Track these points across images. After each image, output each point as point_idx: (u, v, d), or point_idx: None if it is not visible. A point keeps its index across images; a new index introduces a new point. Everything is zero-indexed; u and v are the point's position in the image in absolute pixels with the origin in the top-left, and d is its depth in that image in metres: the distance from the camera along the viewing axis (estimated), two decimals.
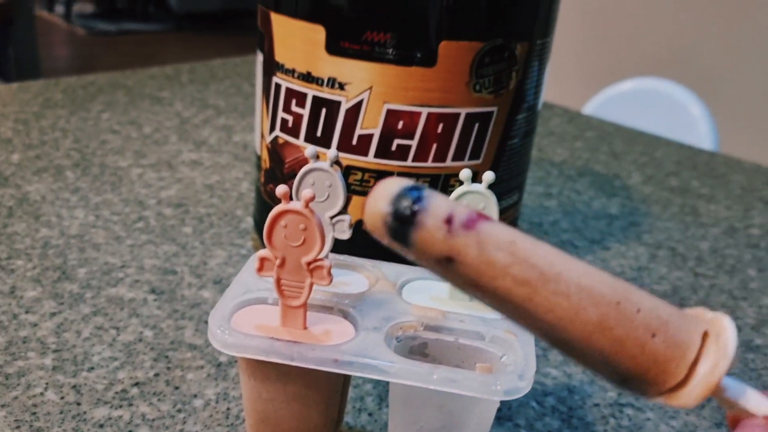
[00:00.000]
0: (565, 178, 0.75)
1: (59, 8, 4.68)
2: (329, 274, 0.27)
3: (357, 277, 0.33)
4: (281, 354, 0.26)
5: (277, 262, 0.27)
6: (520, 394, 0.26)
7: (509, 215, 0.50)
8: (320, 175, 0.30)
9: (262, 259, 0.27)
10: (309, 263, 0.27)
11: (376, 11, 0.40)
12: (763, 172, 0.83)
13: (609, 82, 1.30)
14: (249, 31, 4.87)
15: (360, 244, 0.32)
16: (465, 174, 0.29)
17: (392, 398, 0.28)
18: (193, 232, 0.56)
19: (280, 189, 0.26)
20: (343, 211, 0.30)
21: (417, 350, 0.29)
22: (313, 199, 0.26)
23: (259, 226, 0.53)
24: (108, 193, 0.61)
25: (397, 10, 0.40)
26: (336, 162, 0.30)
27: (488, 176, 0.29)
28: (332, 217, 0.30)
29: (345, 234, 0.31)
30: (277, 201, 0.47)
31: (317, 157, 0.30)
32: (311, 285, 0.27)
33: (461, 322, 0.29)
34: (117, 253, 0.51)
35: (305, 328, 0.28)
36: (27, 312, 0.44)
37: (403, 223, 0.17)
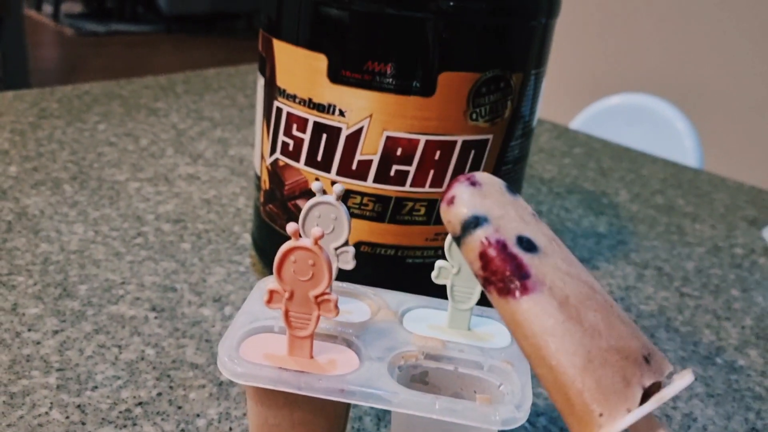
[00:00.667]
0: (554, 195, 0.77)
1: (47, 8, 4.66)
2: (336, 307, 0.28)
3: (359, 305, 0.34)
4: (289, 384, 0.28)
5: (286, 295, 0.28)
6: (517, 425, 0.27)
7: None
8: (326, 209, 0.31)
9: (272, 292, 0.28)
10: (317, 297, 0.28)
11: (377, 42, 0.41)
12: (746, 191, 0.85)
13: (598, 96, 1.32)
14: (238, 33, 4.87)
15: (361, 269, 0.34)
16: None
17: (395, 426, 0.30)
18: (191, 248, 0.56)
19: (291, 227, 0.27)
20: (347, 242, 0.31)
21: (418, 378, 0.31)
22: (322, 236, 0.27)
23: (257, 244, 0.54)
24: (106, 208, 0.62)
25: (397, 42, 0.41)
26: (341, 196, 0.31)
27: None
28: (337, 248, 0.31)
29: (349, 264, 0.32)
30: (275, 222, 0.48)
31: (324, 191, 0.31)
32: (318, 317, 0.28)
33: (460, 351, 0.31)
34: (117, 269, 0.52)
35: (311, 357, 0.29)
36: (29, 330, 0.45)
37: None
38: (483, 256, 0.24)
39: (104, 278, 0.51)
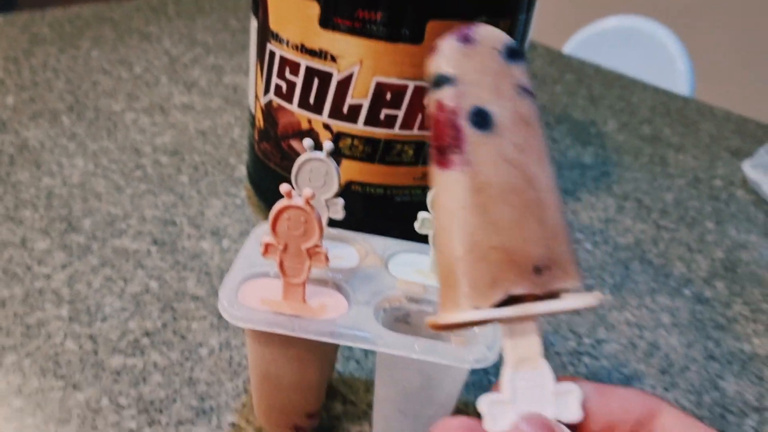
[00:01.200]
0: (544, 125, 0.79)
1: None
2: (326, 258, 0.30)
3: (349, 250, 0.36)
4: (284, 327, 0.30)
5: (280, 247, 0.30)
6: (488, 364, 0.30)
7: None
8: (317, 164, 0.33)
9: (267, 245, 0.30)
10: (309, 249, 0.30)
11: None
12: (733, 120, 0.87)
13: (593, 18, 1.31)
14: None
15: (352, 207, 0.36)
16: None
17: (379, 363, 0.33)
18: (189, 180, 0.59)
19: (284, 188, 0.29)
20: (338, 195, 0.34)
21: (401, 319, 0.34)
22: (313, 197, 0.29)
23: (252, 178, 0.56)
24: (105, 140, 0.63)
25: None
26: (331, 153, 0.33)
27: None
28: (327, 200, 0.34)
29: (339, 215, 0.34)
30: (269, 160, 0.50)
31: (314, 147, 0.33)
32: (310, 267, 0.31)
33: None
34: (118, 203, 0.55)
35: (304, 301, 0.32)
36: (39, 264, 0.47)
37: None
38: (433, 117, 0.24)
39: (107, 212, 0.53)
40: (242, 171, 0.61)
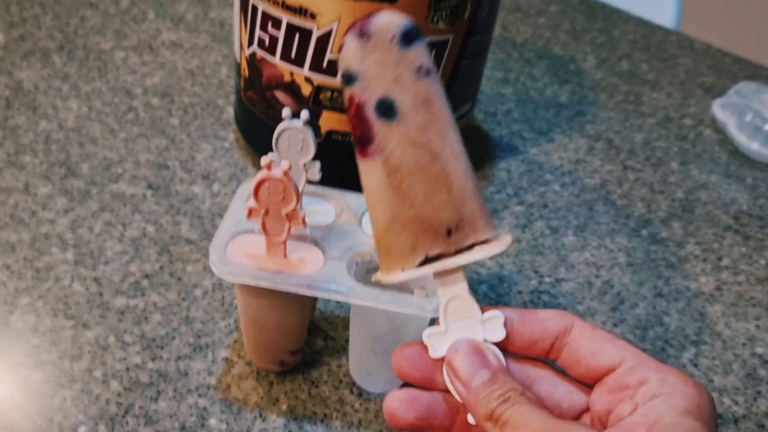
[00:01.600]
0: (523, 61, 0.81)
1: None
2: (303, 221, 0.34)
3: (326, 206, 0.40)
4: (267, 280, 0.35)
5: (262, 212, 0.34)
6: None
7: (463, 122, 0.57)
8: (295, 132, 0.36)
9: (251, 210, 0.34)
10: (288, 213, 0.34)
11: None
12: (711, 54, 0.89)
13: None
14: None
15: (333, 153, 0.39)
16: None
17: (353, 311, 0.37)
18: (179, 123, 0.61)
19: (264, 160, 0.32)
20: (315, 158, 0.37)
21: (372, 271, 0.38)
22: (290, 168, 0.32)
23: (239, 123, 0.59)
24: (96, 81, 0.65)
25: None
26: (308, 121, 0.36)
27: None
28: (305, 164, 0.37)
29: (316, 176, 0.38)
30: (255, 107, 0.53)
31: (293, 116, 0.36)
32: (289, 228, 0.35)
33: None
34: (114, 147, 0.58)
35: (285, 256, 0.36)
36: (43, 209, 0.51)
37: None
38: (348, 112, 0.28)
39: (103, 156, 0.57)
40: (230, 113, 0.64)
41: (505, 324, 0.29)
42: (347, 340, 0.44)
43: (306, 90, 0.49)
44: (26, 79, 0.64)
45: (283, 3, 0.47)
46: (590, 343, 0.29)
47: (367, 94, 0.27)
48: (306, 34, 0.47)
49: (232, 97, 0.66)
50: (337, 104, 0.50)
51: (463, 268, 0.29)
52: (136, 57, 0.70)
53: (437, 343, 0.29)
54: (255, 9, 0.49)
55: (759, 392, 0.46)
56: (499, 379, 0.27)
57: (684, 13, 1.15)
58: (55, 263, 0.47)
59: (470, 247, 0.29)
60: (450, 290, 0.29)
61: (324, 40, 0.47)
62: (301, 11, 0.47)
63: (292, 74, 0.50)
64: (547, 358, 0.30)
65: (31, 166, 0.55)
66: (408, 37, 0.27)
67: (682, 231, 0.59)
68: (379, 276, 0.29)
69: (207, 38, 0.75)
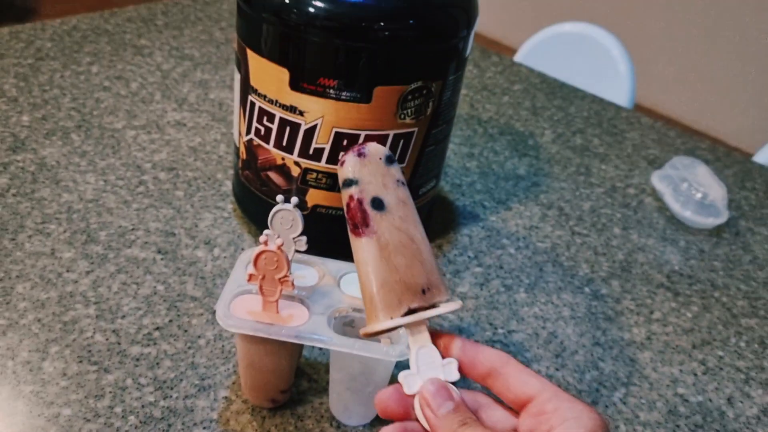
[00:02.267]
0: (488, 137, 0.91)
1: None
2: (292, 284, 0.43)
3: (311, 271, 0.49)
4: (262, 331, 0.43)
5: (260, 277, 0.43)
6: (406, 357, 0.43)
7: (428, 196, 0.66)
8: (286, 213, 0.45)
9: (251, 275, 0.43)
10: (280, 278, 0.43)
11: (327, 63, 0.54)
12: (657, 129, 1.00)
13: (548, 23, 1.42)
14: None
15: (318, 225, 0.48)
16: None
17: (332, 356, 0.46)
18: (184, 195, 0.71)
19: (262, 237, 0.41)
20: (302, 234, 0.46)
21: (348, 324, 0.46)
22: (283, 244, 0.41)
23: (237, 196, 0.68)
24: (110, 157, 0.75)
25: (342, 64, 0.54)
26: (297, 205, 0.45)
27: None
28: (294, 238, 0.46)
29: (303, 248, 0.46)
30: (251, 185, 0.62)
31: (285, 200, 0.45)
32: (281, 290, 0.43)
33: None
34: (127, 216, 0.66)
35: (278, 312, 0.45)
36: (68, 271, 0.59)
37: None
38: (347, 206, 0.38)
39: (118, 225, 0.65)
40: (228, 186, 0.73)
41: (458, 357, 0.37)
42: (328, 382, 0.52)
43: (295, 172, 0.59)
44: (49, 156, 0.73)
45: (277, 101, 0.57)
46: (520, 376, 0.37)
47: (365, 193, 0.37)
48: (296, 127, 0.57)
49: (230, 172, 0.75)
50: (321, 184, 0.59)
51: (427, 322, 0.37)
52: (145, 135, 0.79)
53: (411, 382, 0.37)
54: (253, 105, 0.59)
55: (678, 426, 0.55)
56: (460, 409, 0.36)
57: (639, 88, 1.27)
58: (79, 317, 0.55)
59: (435, 305, 0.38)
60: (419, 339, 0.38)
61: (310, 132, 0.57)
62: (292, 109, 0.56)
63: (283, 159, 0.59)
64: (484, 385, 0.38)
65: (56, 233, 0.63)
66: (390, 159, 0.39)
67: (620, 288, 0.68)
68: (368, 328, 0.37)
69: (207, 117, 0.85)
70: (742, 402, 0.58)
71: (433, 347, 0.37)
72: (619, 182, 0.85)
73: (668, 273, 0.71)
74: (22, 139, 0.75)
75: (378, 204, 0.37)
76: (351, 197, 0.37)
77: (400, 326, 0.36)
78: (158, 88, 0.89)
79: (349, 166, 0.38)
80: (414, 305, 0.37)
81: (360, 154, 0.38)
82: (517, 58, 1.35)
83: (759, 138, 2.20)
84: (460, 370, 0.38)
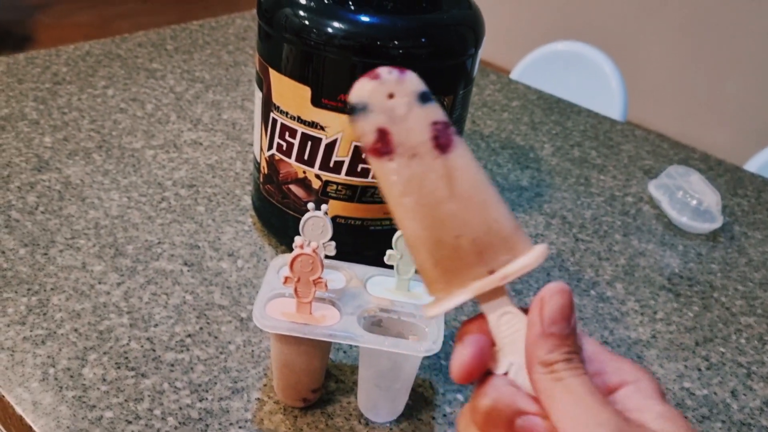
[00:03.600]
0: (490, 151, 0.95)
1: None
2: (326, 285, 0.46)
3: (338, 275, 0.52)
4: (297, 331, 0.46)
5: (295, 279, 0.46)
6: (433, 352, 0.46)
7: None
8: (317, 220, 0.48)
9: (286, 278, 0.46)
10: (314, 280, 0.46)
11: (347, 80, 0.57)
12: (651, 141, 1.04)
13: (542, 42, 1.47)
14: None
15: (339, 235, 0.51)
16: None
17: (361, 353, 0.49)
18: (205, 210, 0.74)
19: (297, 241, 0.44)
20: (331, 239, 0.49)
21: (376, 323, 0.49)
22: (317, 247, 0.44)
23: (257, 210, 0.71)
24: (132, 176, 0.78)
25: None
26: (326, 212, 0.48)
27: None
28: (324, 243, 0.49)
29: (332, 252, 0.50)
30: (272, 198, 0.65)
31: (316, 208, 0.48)
32: (315, 291, 0.46)
33: (402, 306, 0.49)
34: (152, 231, 0.69)
35: (311, 313, 0.48)
36: (99, 283, 0.62)
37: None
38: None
39: (144, 239, 0.68)
40: (247, 201, 0.76)
41: None
42: (355, 383, 0.55)
43: (316, 184, 0.62)
44: (73, 175, 0.76)
45: (299, 118, 0.60)
46: (614, 360, 0.31)
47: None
48: (317, 141, 0.60)
49: (248, 188, 0.78)
50: (341, 195, 0.62)
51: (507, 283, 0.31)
52: (163, 154, 0.82)
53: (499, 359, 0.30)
54: (275, 121, 0.62)
55: (686, 417, 0.58)
56: (571, 339, 0.28)
57: (630, 103, 1.32)
58: (114, 326, 0.58)
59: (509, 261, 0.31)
60: (497, 305, 0.30)
61: (331, 146, 0.60)
62: (313, 125, 0.60)
63: (305, 172, 0.62)
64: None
65: (86, 248, 0.66)
66: (423, 98, 0.33)
67: (623, 291, 0.71)
68: (431, 308, 0.31)
69: (222, 136, 0.88)
70: (745, 395, 0.61)
71: (520, 313, 0.30)
72: (618, 191, 0.89)
73: (669, 275, 0.75)
74: (46, 159, 0.78)
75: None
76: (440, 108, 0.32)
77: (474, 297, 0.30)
78: (173, 110, 0.93)
79: (378, 81, 0.32)
80: (493, 267, 0.30)
81: (424, 98, 0.32)
82: (513, 76, 1.39)
83: (746, 151, 2.26)
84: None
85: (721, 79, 2.53)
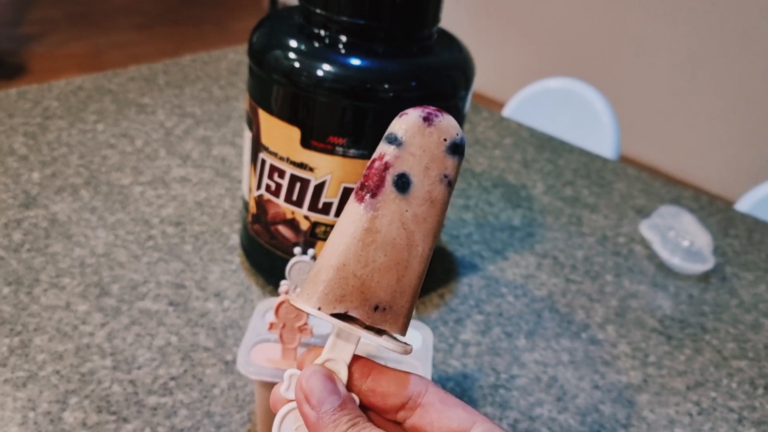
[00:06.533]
0: (482, 189, 0.95)
1: None
2: (311, 332, 0.45)
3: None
4: (281, 378, 0.45)
5: (281, 325, 0.45)
6: None
7: None
8: (303, 264, 0.47)
9: (271, 324, 0.45)
10: (299, 326, 0.45)
11: (336, 122, 0.57)
12: (642, 180, 1.04)
13: (535, 78, 1.48)
14: None
15: None
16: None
17: None
18: (192, 249, 0.73)
19: (282, 287, 0.44)
20: None
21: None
22: None
23: (245, 249, 0.71)
24: (119, 213, 0.77)
25: (350, 123, 0.57)
26: (313, 257, 0.48)
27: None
28: None
29: None
30: (260, 238, 0.65)
31: (302, 252, 0.48)
32: (300, 337, 0.46)
33: (387, 352, 0.49)
34: (138, 270, 0.68)
35: (296, 359, 0.47)
36: (83, 323, 0.61)
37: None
38: (371, 162, 0.30)
39: (129, 278, 0.67)
40: (235, 239, 0.75)
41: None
42: None
43: (304, 225, 0.62)
44: (60, 212, 0.75)
45: (288, 159, 0.60)
46: (444, 407, 0.30)
47: (399, 161, 0.30)
48: (305, 182, 0.60)
49: (236, 226, 0.77)
50: (329, 236, 0.62)
51: (358, 340, 0.31)
52: (151, 190, 0.82)
53: (293, 384, 0.30)
54: (264, 162, 0.62)
55: None
56: (348, 406, 0.29)
57: (622, 139, 1.33)
58: (96, 368, 0.57)
59: (380, 332, 0.30)
60: (338, 348, 0.31)
61: (320, 187, 0.60)
62: (302, 166, 0.59)
63: (293, 213, 0.62)
64: (398, 420, 0.31)
65: (71, 287, 0.65)
66: (454, 148, 0.31)
67: (615, 333, 0.70)
68: (296, 300, 0.30)
69: (211, 173, 0.88)
70: None
71: (345, 368, 0.31)
72: (609, 231, 0.89)
73: (660, 318, 0.74)
74: (34, 195, 0.78)
75: (403, 183, 0.30)
76: (381, 155, 0.30)
77: (326, 321, 0.30)
78: (162, 145, 0.92)
79: (406, 121, 0.30)
80: (354, 313, 0.30)
81: (427, 119, 0.30)
82: (505, 112, 1.40)
83: (739, 185, 2.27)
84: (371, 404, 0.31)
85: (714, 114, 2.56)
